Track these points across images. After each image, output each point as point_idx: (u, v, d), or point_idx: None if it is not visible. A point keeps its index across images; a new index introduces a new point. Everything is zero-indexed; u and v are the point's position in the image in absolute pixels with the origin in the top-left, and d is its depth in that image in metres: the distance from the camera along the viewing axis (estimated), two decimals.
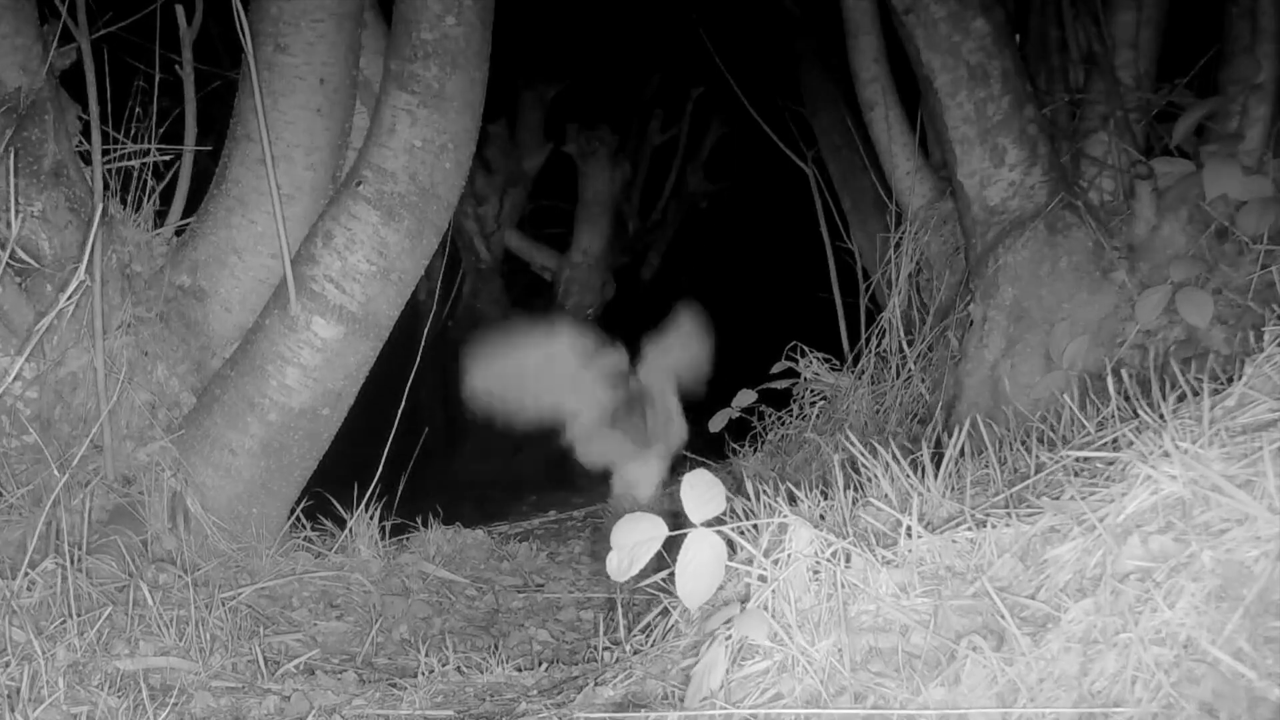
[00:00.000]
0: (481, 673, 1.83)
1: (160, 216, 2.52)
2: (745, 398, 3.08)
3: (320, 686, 1.75)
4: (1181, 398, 1.37)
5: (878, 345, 3.09)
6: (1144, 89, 2.61)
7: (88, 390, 2.23)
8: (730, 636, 1.31)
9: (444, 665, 1.86)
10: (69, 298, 2.04)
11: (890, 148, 3.19)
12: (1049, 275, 2.39)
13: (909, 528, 1.35)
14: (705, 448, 3.13)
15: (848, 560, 1.32)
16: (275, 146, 2.32)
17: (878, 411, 2.97)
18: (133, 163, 2.46)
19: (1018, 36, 2.69)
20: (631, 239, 7.83)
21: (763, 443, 3.15)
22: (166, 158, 2.53)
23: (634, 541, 1.29)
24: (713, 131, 7.75)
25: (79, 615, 1.78)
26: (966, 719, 1.10)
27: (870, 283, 3.46)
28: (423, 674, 1.83)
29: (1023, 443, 1.61)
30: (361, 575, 2.28)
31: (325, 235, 2.29)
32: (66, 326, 2.22)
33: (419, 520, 2.66)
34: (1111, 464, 1.31)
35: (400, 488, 2.58)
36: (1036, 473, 1.47)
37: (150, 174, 2.49)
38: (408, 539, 2.59)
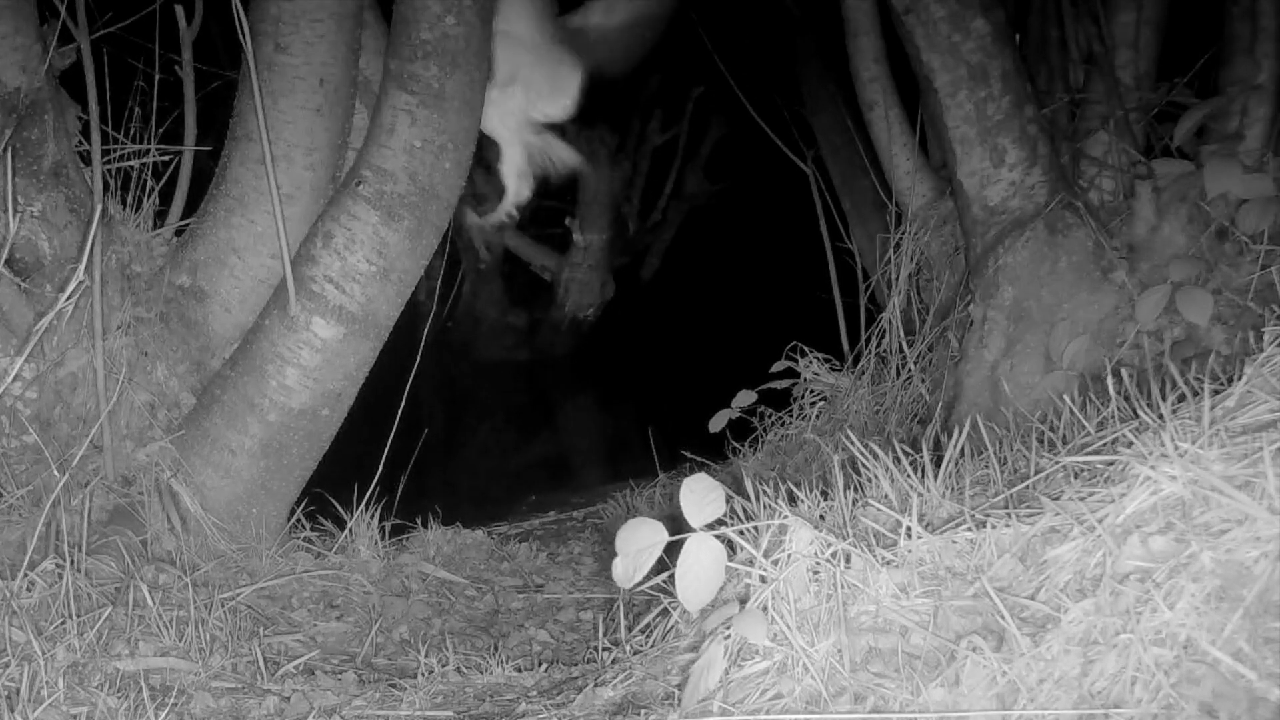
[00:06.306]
0: (481, 673, 1.82)
1: (160, 216, 2.52)
2: (745, 398, 3.07)
3: (320, 687, 1.75)
4: (1181, 398, 1.36)
5: (878, 345, 3.09)
6: (1144, 89, 2.61)
7: (87, 390, 2.23)
8: (729, 636, 1.31)
9: (444, 666, 1.86)
10: (69, 298, 2.03)
11: (890, 148, 3.19)
12: (1049, 275, 2.38)
13: (909, 528, 1.35)
14: (705, 448, 3.13)
15: (847, 561, 1.32)
16: (275, 146, 2.32)
17: (878, 412, 2.97)
18: (132, 163, 2.46)
19: (1018, 36, 2.69)
20: (631, 239, 7.83)
21: (763, 443, 3.15)
22: (166, 158, 2.53)
23: (637, 548, 1.30)
24: (713, 131, 7.74)
25: (78, 616, 1.78)
26: None
27: (870, 283, 3.46)
28: (422, 674, 1.83)
29: (1022, 443, 1.61)
30: (361, 576, 2.28)
31: (325, 235, 2.29)
32: (66, 326, 2.22)
33: (419, 520, 2.66)
34: (1111, 464, 1.31)
35: (400, 488, 2.58)
36: (1036, 473, 1.47)
37: (150, 174, 2.48)
38: (407, 539, 2.59)
